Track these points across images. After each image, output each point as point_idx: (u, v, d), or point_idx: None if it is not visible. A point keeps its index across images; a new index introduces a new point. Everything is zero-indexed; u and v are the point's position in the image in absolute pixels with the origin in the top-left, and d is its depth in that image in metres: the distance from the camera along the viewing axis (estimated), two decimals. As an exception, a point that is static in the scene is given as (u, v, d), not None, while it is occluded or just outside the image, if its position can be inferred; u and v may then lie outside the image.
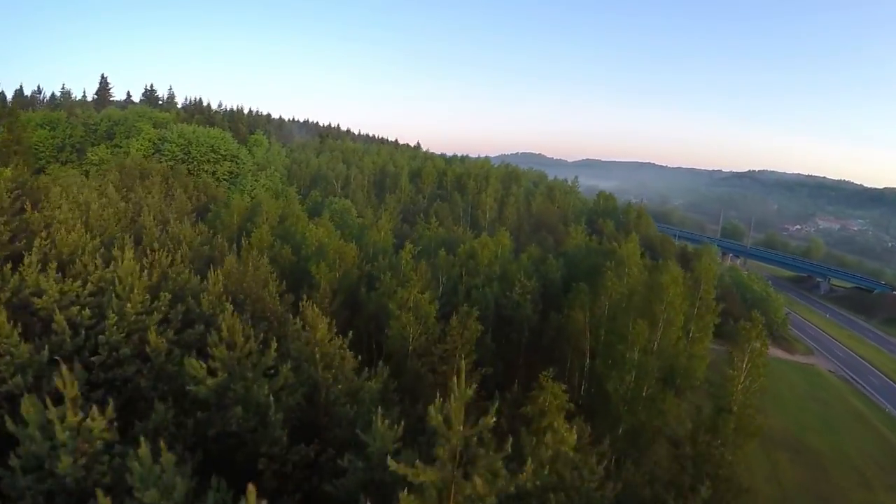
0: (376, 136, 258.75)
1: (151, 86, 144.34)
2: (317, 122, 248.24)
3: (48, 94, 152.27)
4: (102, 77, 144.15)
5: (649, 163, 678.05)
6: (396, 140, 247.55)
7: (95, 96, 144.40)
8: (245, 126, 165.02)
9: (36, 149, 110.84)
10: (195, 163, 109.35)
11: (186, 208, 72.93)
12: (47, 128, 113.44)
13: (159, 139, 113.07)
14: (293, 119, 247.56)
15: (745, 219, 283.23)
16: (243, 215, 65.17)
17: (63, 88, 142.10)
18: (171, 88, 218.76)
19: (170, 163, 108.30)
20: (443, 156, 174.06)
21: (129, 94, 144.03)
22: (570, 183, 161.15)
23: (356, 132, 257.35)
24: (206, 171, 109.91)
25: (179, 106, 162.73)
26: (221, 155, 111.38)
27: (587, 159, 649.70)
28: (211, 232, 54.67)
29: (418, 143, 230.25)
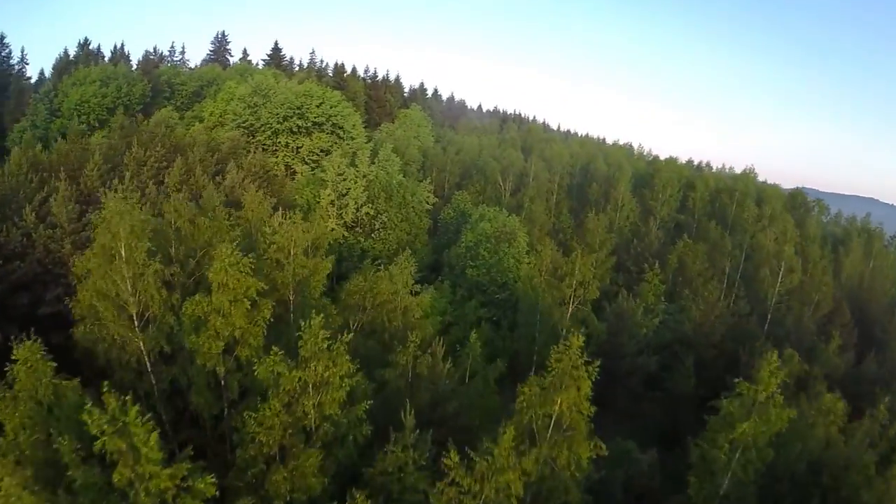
0: (577, 133, 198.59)
1: (276, 44, 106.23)
2: (512, 113, 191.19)
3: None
4: (220, 35, 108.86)
5: (872, 198, 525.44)
6: (603, 139, 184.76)
7: (209, 55, 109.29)
8: (397, 98, 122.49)
9: (78, 109, 75.44)
10: (269, 132, 65.87)
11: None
12: (97, 83, 77.74)
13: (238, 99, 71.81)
14: (479, 108, 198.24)
15: None
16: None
17: (172, 46, 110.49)
18: (312, 52, 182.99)
19: (233, 131, 66.93)
20: (670, 159, 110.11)
21: (245, 51, 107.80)
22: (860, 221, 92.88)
23: (554, 127, 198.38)
24: (285, 147, 66.24)
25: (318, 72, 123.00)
26: (313, 122, 66.61)
27: (801, 187, 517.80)
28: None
29: (639, 147, 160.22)
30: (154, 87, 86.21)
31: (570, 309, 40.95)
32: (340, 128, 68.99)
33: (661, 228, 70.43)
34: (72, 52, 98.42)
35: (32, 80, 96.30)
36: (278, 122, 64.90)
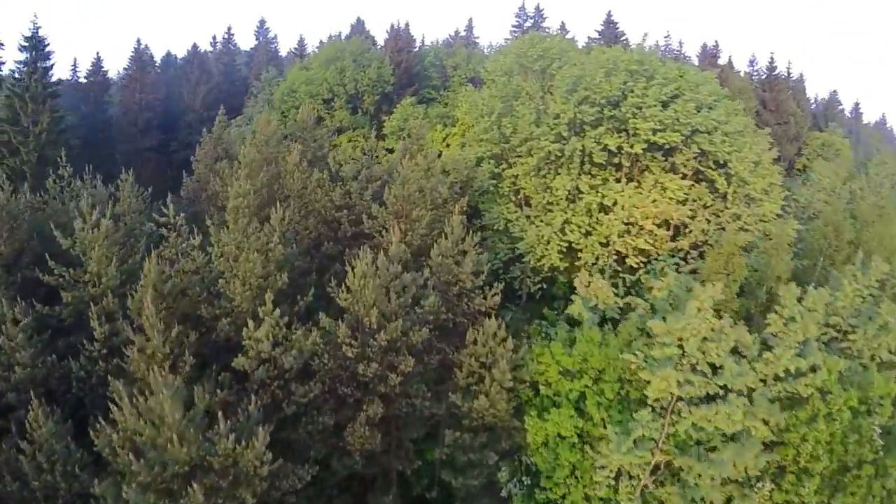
0: None
1: (609, 15, 65.34)
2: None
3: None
4: (536, 8, 72.11)
5: None
6: None
7: (513, 30, 72.83)
8: (803, 112, 71.94)
9: (284, 101, 52.02)
10: (538, 157, 26.96)
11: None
12: (313, 67, 52.42)
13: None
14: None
15: None
16: None
17: (469, 24, 78.76)
18: (667, 35, 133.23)
19: (475, 147, 30.44)
20: None
21: (563, 25, 69.40)
22: None
23: None
24: (568, 200, 26.70)
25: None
26: (647, 140, 25.12)
27: None
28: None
29: None
30: (409, 70, 57.08)
31: None
32: (722, 164, 26.90)
33: None
34: (344, 34, 75.07)
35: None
36: (553, 137, 25.78)
